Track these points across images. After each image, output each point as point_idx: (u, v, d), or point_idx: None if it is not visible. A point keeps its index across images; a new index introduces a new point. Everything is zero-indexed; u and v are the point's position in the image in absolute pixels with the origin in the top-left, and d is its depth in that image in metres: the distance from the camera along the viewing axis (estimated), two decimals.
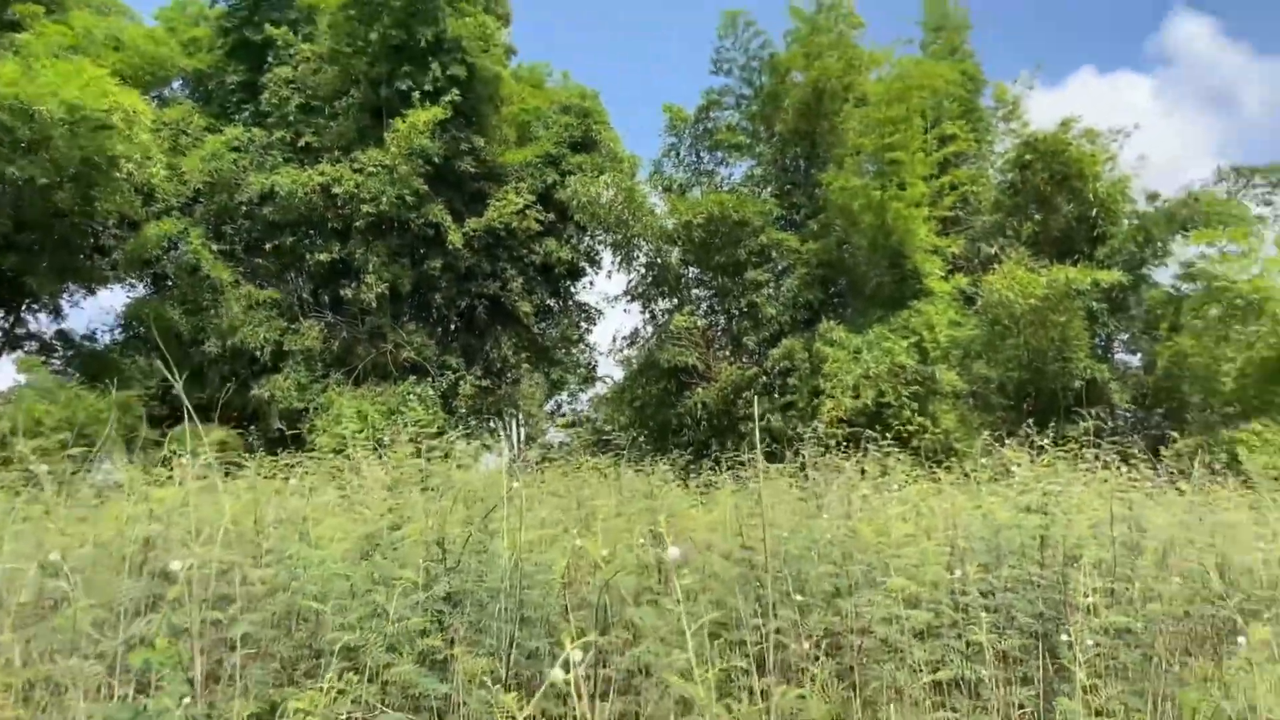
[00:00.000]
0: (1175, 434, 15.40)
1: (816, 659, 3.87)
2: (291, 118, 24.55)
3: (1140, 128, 36.97)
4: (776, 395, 21.73)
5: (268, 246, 24.24)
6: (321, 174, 23.08)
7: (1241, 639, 3.98)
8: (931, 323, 20.31)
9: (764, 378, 22.02)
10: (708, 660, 3.08)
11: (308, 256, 24.14)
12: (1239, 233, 19.03)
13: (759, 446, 4.38)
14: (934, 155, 22.69)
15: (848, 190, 21.11)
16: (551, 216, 25.58)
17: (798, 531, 6.08)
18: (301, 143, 24.38)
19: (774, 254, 23.26)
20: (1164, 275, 22.63)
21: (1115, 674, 4.72)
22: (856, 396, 19.12)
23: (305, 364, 23.28)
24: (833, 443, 9.72)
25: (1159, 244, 22.07)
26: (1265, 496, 7.89)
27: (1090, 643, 4.15)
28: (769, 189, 25.32)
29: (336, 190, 22.82)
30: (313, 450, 8.82)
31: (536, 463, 12.19)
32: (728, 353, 23.59)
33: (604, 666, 4.18)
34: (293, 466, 7.37)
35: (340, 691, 3.18)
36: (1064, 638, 3.97)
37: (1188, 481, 7.87)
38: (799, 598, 4.28)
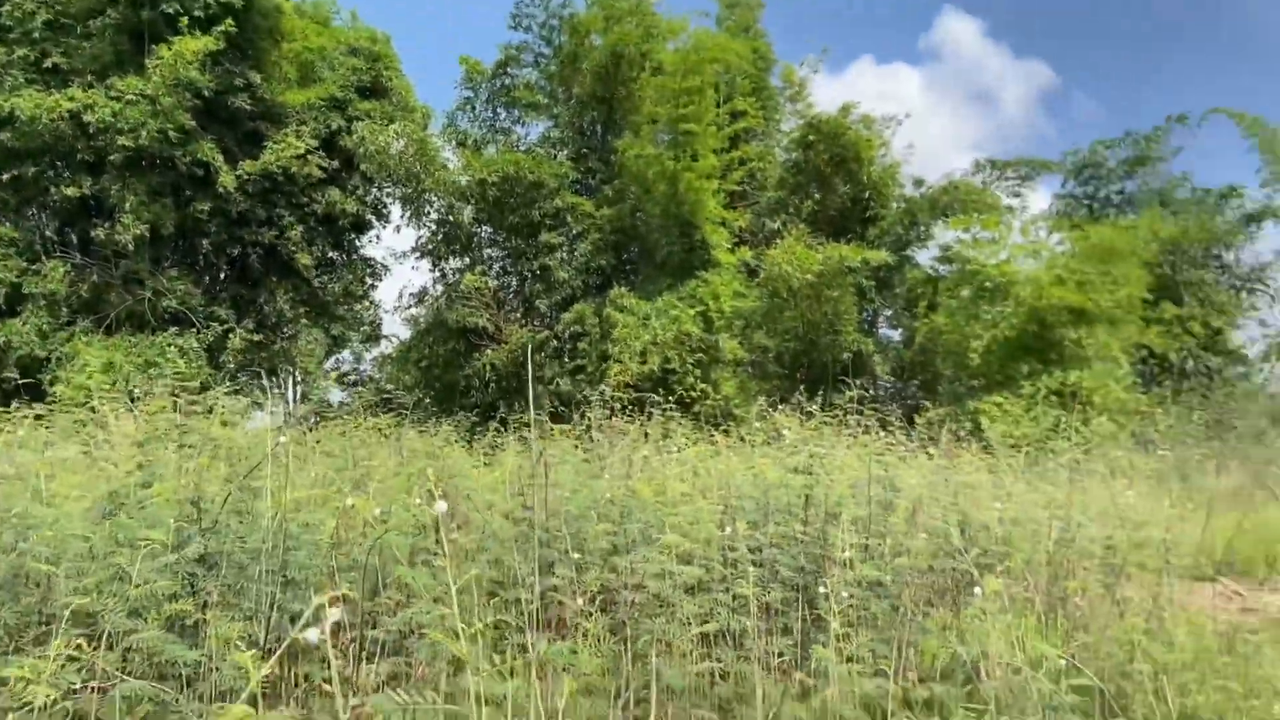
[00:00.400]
0: (928, 404, 16.70)
1: (590, 615, 3.91)
2: (37, 35, 21.91)
3: (911, 117, 39.63)
4: (566, 359, 21.86)
5: (5, 177, 21.60)
6: (71, 99, 20.74)
7: (977, 590, 4.35)
8: (717, 293, 20.99)
9: (555, 341, 22.07)
10: (478, 617, 3.03)
11: (53, 190, 21.68)
12: (991, 221, 20.79)
13: (541, 408, 4.34)
14: (725, 130, 23.34)
15: (643, 158, 21.39)
16: (336, 164, 24.30)
17: (579, 491, 6.12)
18: (48, 63, 21.80)
19: (568, 218, 23.26)
20: (925, 257, 24.50)
21: (866, 623, 5.06)
22: (644, 362, 19.52)
23: (48, 309, 21.02)
24: (619, 406, 9.89)
25: (922, 227, 23.82)
26: (1002, 461, 8.72)
27: (845, 594, 4.42)
28: (565, 152, 25.24)
29: (89, 119, 20.57)
30: (53, 402, 7.99)
31: (311, 420, 11.65)
32: (519, 315, 23.43)
33: (373, 628, 4.04)
34: (27, 419, 6.64)
35: (70, 658, 2.88)
36: (822, 590, 4.20)
37: (936, 447, 8.56)
38: (576, 555, 4.30)
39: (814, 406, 8.73)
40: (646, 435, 8.54)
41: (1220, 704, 5.46)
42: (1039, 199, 75.48)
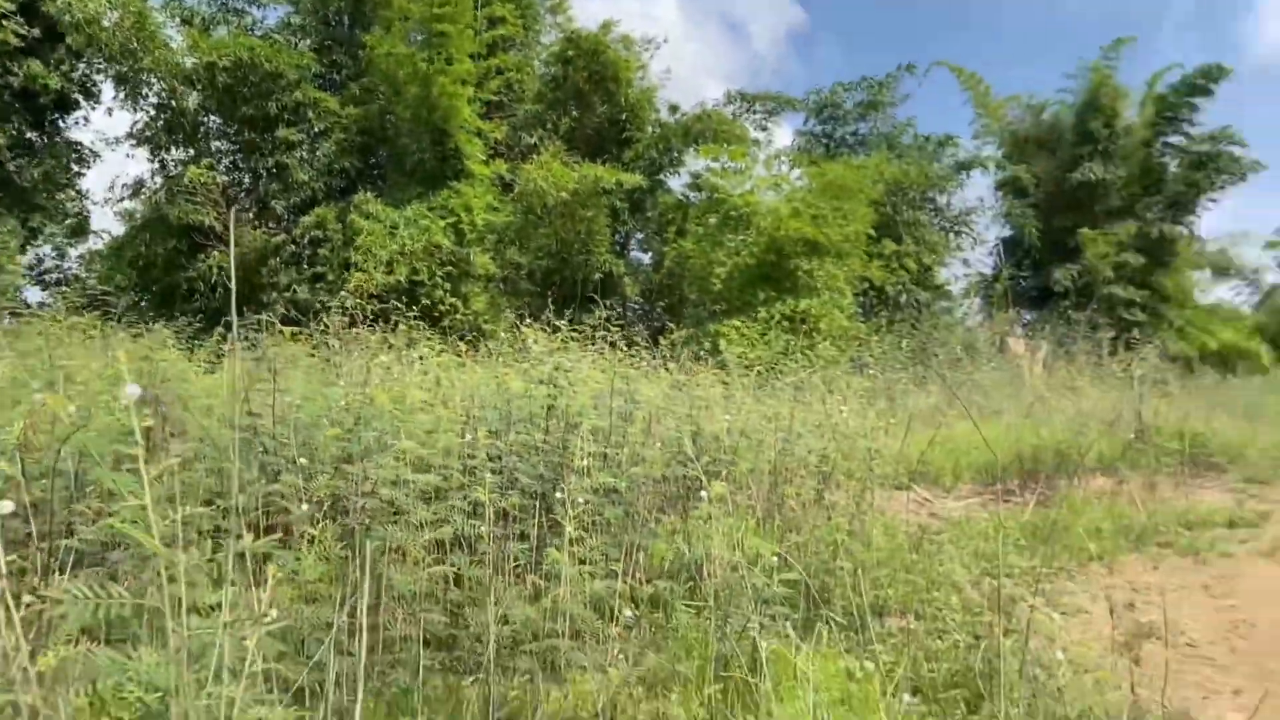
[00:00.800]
0: (673, 326, 17.32)
1: (317, 522, 3.75)
2: None
3: (668, 42, 40.11)
4: (305, 266, 20.70)
5: None
6: None
7: (704, 494, 4.58)
8: (470, 205, 20.53)
9: (292, 246, 20.79)
10: (192, 526, 2.82)
11: None
12: (738, 152, 21.58)
13: (275, 315, 4.05)
14: (483, 36, 22.60)
15: (393, 57, 20.32)
16: (37, 33, 21.23)
17: (312, 400, 5.83)
18: None
19: (310, 114, 21.75)
20: (677, 183, 25.14)
21: (601, 529, 5.22)
22: (390, 273, 18.85)
23: None
24: (362, 318, 9.48)
25: (675, 153, 24.36)
26: (735, 380, 9.21)
27: (581, 500, 4.51)
28: (308, 42, 23.49)
29: None
30: None
31: (2, 320, 10.34)
32: (252, 216, 21.80)
33: (69, 536, 3.67)
34: None
35: None
36: (559, 495, 4.26)
37: (678, 365, 8.90)
38: (304, 461, 4.10)
39: (563, 323, 8.80)
40: (390, 345, 8.27)
41: (907, 595, 6.12)
42: (783, 134, 79.30)
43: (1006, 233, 30.78)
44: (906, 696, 3.84)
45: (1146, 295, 27.54)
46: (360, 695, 2.71)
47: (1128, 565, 7.58)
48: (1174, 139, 29.74)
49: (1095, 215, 28.67)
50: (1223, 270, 33.82)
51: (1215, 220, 60.41)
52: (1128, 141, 29.29)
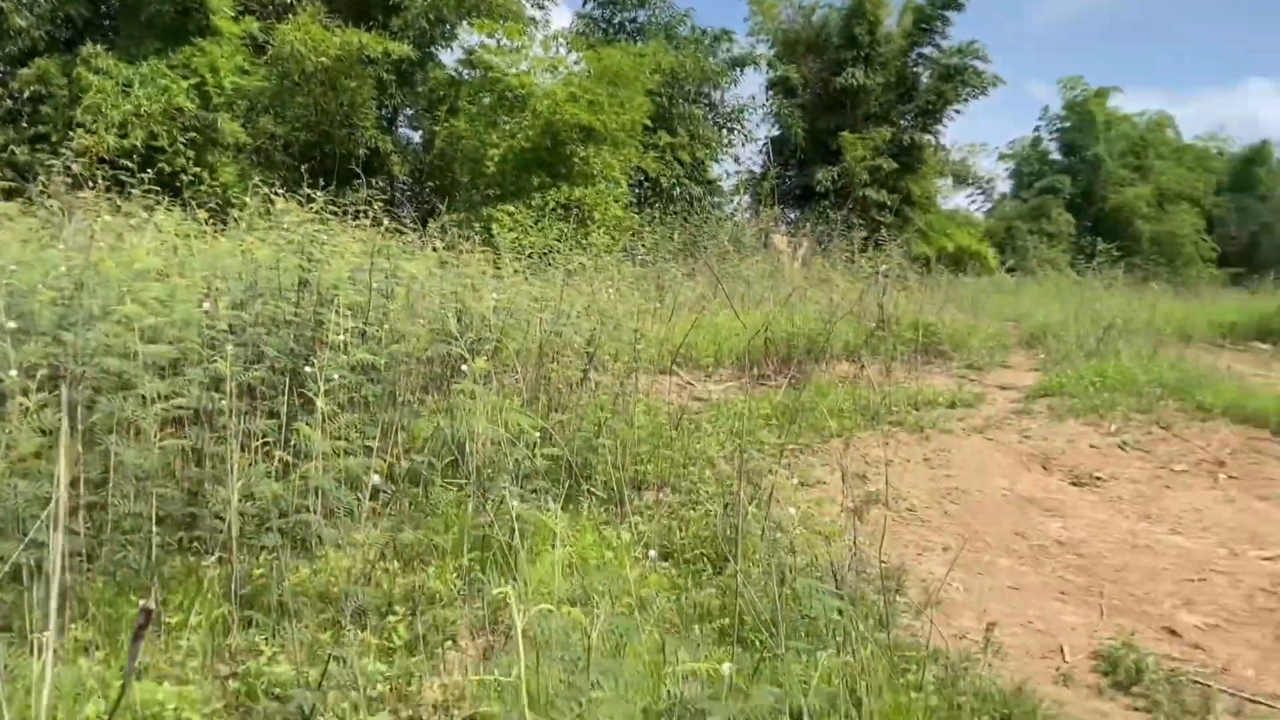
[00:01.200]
0: (443, 208, 16.77)
1: (31, 393, 3.37)
2: None
3: None
4: (25, 124, 18.33)
5: None
6: None
7: (465, 367, 4.51)
8: (216, 65, 18.74)
9: (9, 102, 18.32)
10: None
11: None
12: (514, 29, 20.83)
13: None
14: None
15: None
16: None
17: (28, 265, 5.20)
18: None
19: None
20: (449, 58, 23.99)
21: (358, 407, 5.04)
22: (124, 135, 17.01)
23: None
24: (92, 184, 8.52)
25: (448, 25, 23.14)
26: (507, 263, 9.11)
27: (335, 377, 4.31)
28: None
29: None
30: None
31: None
32: None
33: None
34: None
35: None
36: (309, 370, 4.05)
37: (446, 247, 8.65)
38: (13, 326, 3.64)
39: (320, 194, 8.28)
40: (121, 211, 7.48)
41: (665, 471, 6.40)
42: (561, 15, 77.39)
43: (775, 132, 31.82)
44: (652, 553, 4.01)
45: (896, 199, 29.48)
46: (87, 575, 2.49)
47: (863, 441, 8.25)
48: (927, 50, 31.56)
49: (856, 119, 30.13)
50: (961, 178, 36.78)
51: (956, 130, 65.32)
52: (888, 49, 30.77)
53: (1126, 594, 5.48)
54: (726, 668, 2.02)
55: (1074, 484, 7.89)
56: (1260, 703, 3.94)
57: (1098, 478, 7.97)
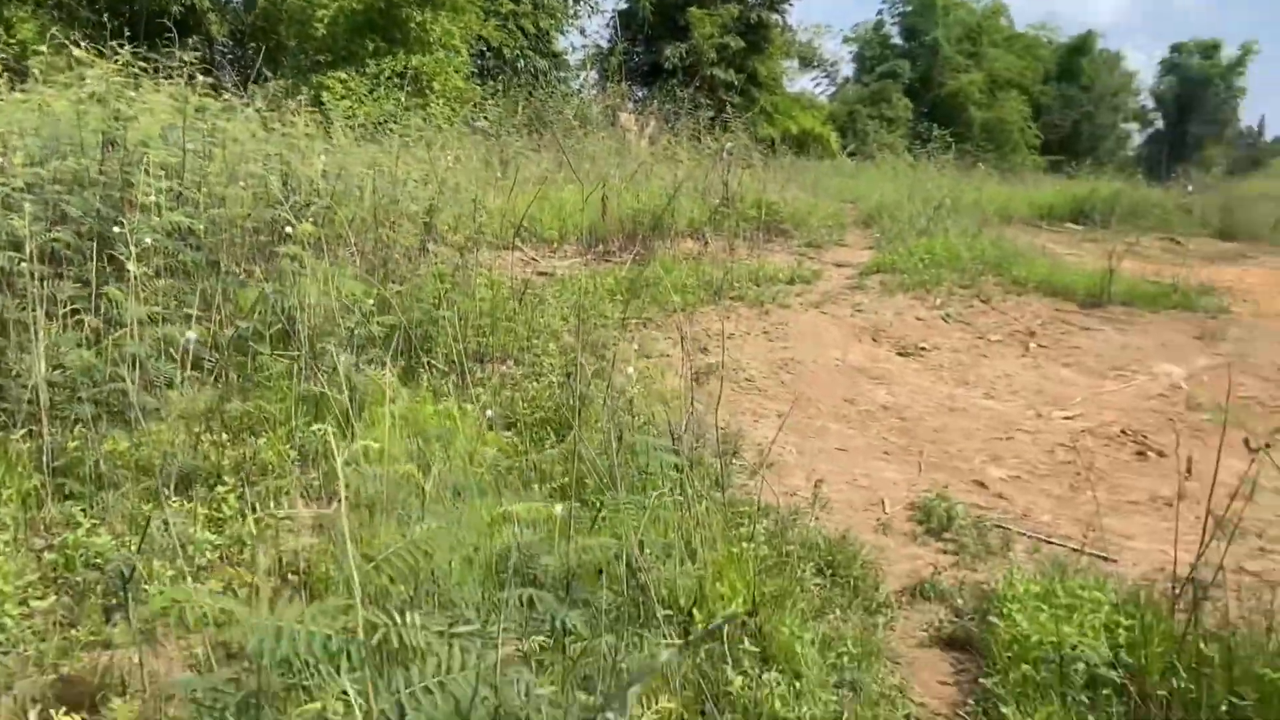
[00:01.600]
0: (269, 74, 15.64)
1: None
2: None
3: None
4: None
5: None
6: None
7: (290, 229, 4.29)
8: None
9: None
10: None
11: None
12: None
13: None
14: None
15: None
16: None
17: None
18: None
19: None
20: None
21: (178, 274, 4.74)
22: None
23: None
24: None
25: None
26: (338, 129, 8.67)
27: (149, 240, 4.04)
28: None
29: None
30: None
31: None
32: None
33: None
34: None
35: None
36: (117, 230, 3.77)
37: (271, 109, 8.09)
38: None
39: (126, 49, 7.54)
40: None
41: (508, 343, 6.37)
42: None
43: (623, 5, 31.02)
44: (490, 412, 4.02)
45: (743, 79, 29.45)
46: None
47: (705, 315, 8.42)
48: None
49: None
50: (807, 61, 37.07)
51: (803, 9, 65.11)
52: None
53: (942, 452, 5.91)
54: (559, 508, 2.06)
55: (900, 354, 8.35)
56: (1054, 543, 4.37)
57: (922, 348, 8.45)
